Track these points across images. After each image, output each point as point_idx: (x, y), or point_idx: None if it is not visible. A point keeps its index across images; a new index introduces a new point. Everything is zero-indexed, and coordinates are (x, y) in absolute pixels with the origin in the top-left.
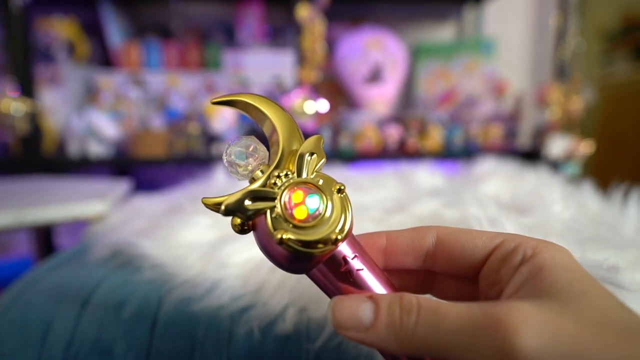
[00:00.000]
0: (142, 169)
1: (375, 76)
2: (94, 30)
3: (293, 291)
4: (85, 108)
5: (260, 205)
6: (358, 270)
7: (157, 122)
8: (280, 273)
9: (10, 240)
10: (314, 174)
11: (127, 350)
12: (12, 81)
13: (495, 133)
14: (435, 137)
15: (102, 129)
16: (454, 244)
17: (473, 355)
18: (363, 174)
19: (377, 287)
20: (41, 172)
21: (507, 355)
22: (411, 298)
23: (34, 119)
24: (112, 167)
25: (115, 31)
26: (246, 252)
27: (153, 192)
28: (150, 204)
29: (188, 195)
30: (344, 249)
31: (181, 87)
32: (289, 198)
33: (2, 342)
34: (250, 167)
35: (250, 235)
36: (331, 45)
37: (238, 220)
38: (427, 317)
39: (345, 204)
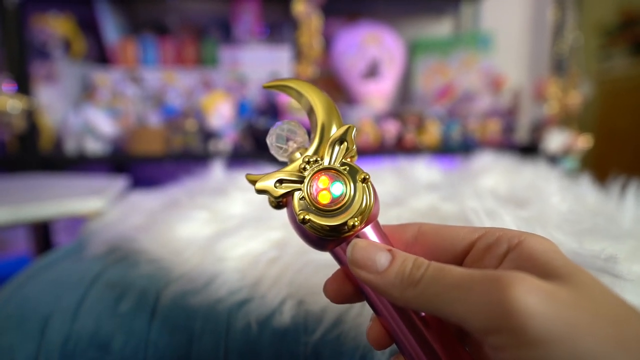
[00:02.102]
0: (139, 165)
1: (372, 72)
2: (90, 27)
3: (291, 284)
4: (81, 105)
5: (286, 188)
6: None
7: (154, 119)
8: (278, 266)
9: (8, 239)
10: (342, 161)
11: (124, 344)
12: (8, 78)
13: (493, 128)
14: (433, 133)
15: (99, 126)
16: (433, 237)
17: (467, 307)
18: None
19: None
20: (38, 169)
21: (501, 304)
22: (424, 260)
23: (30, 116)
24: (109, 164)
25: (111, 28)
26: (243, 245)
27: (150, 188)
28: (147, 200)
29: (185, 191)
30: (364, 235)
31: (178, 83)
32: (315, 183)
33: (1, 336)
34: (290, 150)
35: (247, 230)
36: (328, 41)
37: (272, 198)
38: (432, 272)
39: (368, 193)
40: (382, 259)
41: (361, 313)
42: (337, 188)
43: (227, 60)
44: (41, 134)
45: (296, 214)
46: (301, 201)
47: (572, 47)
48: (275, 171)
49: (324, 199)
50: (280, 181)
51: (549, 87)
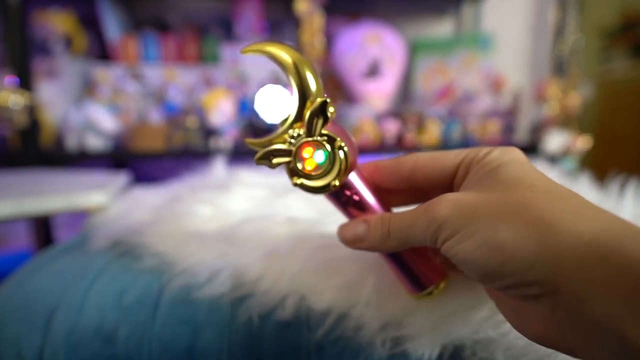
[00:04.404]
0: (140, 162)
1: (373, 71)
2: (91, 23)
3: (293, 281)
4: (83, 101)
5: (280, 160)
6: (355, 200)
7: (155, 116)
8: (281, 263)
9: (8, 233)
10: (322, 132)
11: (129, 336)
12: (9, 74)
13: (493, 128)
14: (433, 132)
15: (100, 123)
16: (427, 168)
17: (417, 232)
18: None
19: (371, 208)
20: (39, 165)
21: (431, 222)
22: (386, 215)
23: (31, 112)
24: (110, 160)
25: (112, 24)
26: (247, 242)
27: (151, 184)
28: (150, 195)
29: (187, 186)
30: (347, 184)
31: (179, 80)
32: (301, 153)
33: (6, 327)
34: (279, 114)
35: (250, 225)
36: (329, 40)
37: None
38: (393, 222)
39: (344, 157)
40: (361, 230)
41: (365, 308)
42: (320, 156)
43: (228, 58)
44: (42, 130)
45: (290, 179)
46: (292, 169)
47: (573, 49)
48: (268, 139)
49: (309, 165)
50: (274, 155)
51: (549, 88)
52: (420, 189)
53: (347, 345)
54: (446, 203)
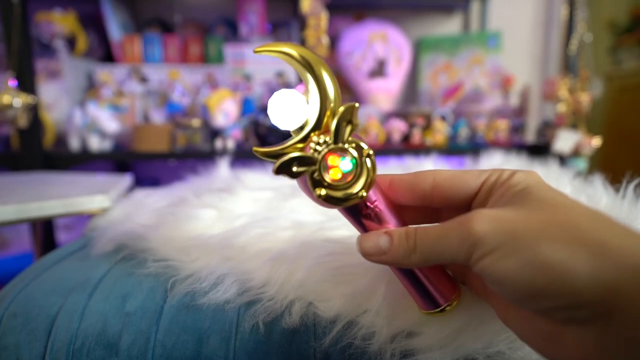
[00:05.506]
0: (143, 163)
1: (379, 70)
2: (94, 23)
3: (300, 287)
4: (86, 102)
5: (303, 169)
6: (376, 212)
7: (159, 117)
8: (287, 268)
9: (10, 236)
10: (348, 140)
11: (132, 343)
12: (12, 75)
13: (502, 128)
14: (439, 132)
15: (102, 123)
16: (448, 187)
17: (448, 247)
18: None
19: (390, 222)
20: (41, 166)
21: (467, 237)
22: (412, 228)
23: (34, 112)
24: (113, 161)
25: (115, 25)
26: (252, 246)
27: (154, 186)
28: (153, 198)
29: (191, 189)
30: (369, 196)
31: (183, 81)
32: (327, 161)
33: (6, 335)
34: (294, 121)
35: (255, 229)
36: (335, 39)
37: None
38: (420, 236)
39: (371, 166)
40: (384, 242)
41: (374, 318)
42: (346, 165)
43: (232, 58)
44: (45, 130)
45: (312, 190)
46: (315, 180)
47: (582, 47)
48: (280, 148)
49: (335, 175)
50: (295, 163)
51: (558, 87)
52: (434, 208)
53: (355, 354)
54: (484, 218)
